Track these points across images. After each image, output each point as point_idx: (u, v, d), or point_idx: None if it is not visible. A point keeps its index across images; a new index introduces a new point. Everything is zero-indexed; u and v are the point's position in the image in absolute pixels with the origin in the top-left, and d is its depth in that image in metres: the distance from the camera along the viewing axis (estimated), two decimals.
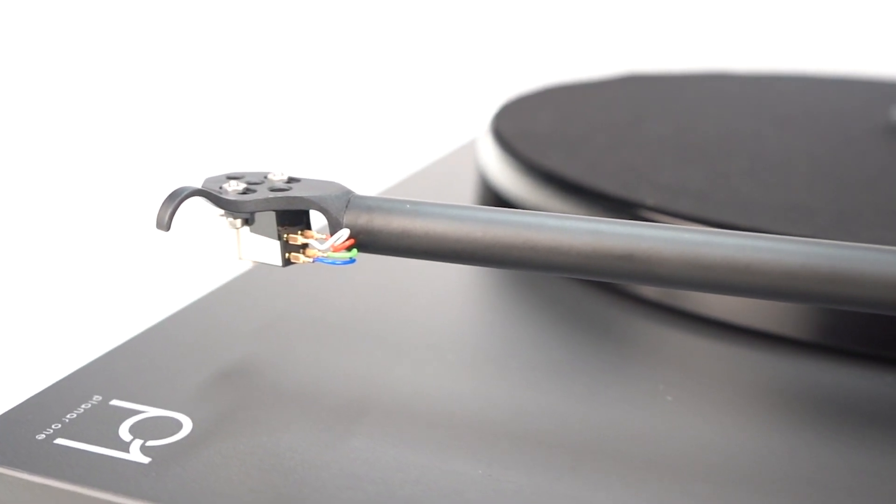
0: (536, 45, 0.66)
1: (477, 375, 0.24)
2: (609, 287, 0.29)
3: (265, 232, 0.23)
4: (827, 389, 0.24)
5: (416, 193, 0.38)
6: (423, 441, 0.21)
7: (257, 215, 0.23)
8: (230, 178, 0.23)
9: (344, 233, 0.22)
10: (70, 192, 0.55)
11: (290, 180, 0.23)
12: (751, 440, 0.22)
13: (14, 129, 0.58)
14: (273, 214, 0.23)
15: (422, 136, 0.61)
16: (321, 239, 0.22)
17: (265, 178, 0.23)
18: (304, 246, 0.23)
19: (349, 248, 0.22)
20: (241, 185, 0.23)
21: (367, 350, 0.25)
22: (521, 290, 0.30)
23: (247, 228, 0.23)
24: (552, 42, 0.65)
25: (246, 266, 0.29)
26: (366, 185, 0.39)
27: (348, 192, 0.23)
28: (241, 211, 0.22)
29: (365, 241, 0.22)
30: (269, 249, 0.23)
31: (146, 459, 0.20)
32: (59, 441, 0.21)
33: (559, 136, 0.37)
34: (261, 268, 0.29)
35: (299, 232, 0.23)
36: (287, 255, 0.23)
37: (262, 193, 0.22)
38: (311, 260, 0.23)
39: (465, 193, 0.39)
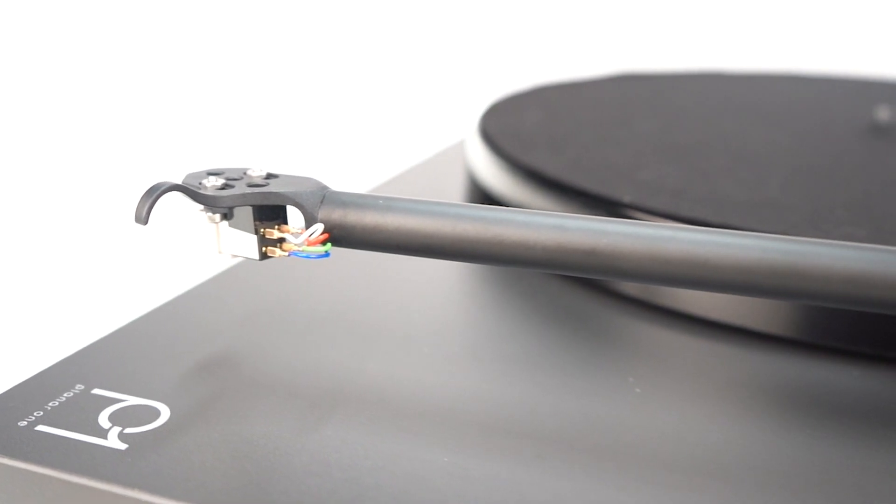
0: (535, 46, 0.66)
1: (450, 367, 0.25)
2: (588, 282, 0.30)
3: (243, 227, 0.24)
4: (796, 383, 0.25)
5: (405, 191, 0.39)
6: (393, 430, 0.22)
7: (236, 210, 0.23)
8: (210, 173, 0.24)
9: (318, 227, 0.23)
10: (58, 187, 0.56)
11: (269, 176, 0.24)
12: (715, 431, 0.22)
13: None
14: (250, 209, 0.23)
15: (419, 135, 0.62)
16: (297, 233, 0.23)
17: (244, 174, 0.24)
18: (281, 240, 0.23)
19: (324, 243, 0.23)
20: (220, 181, 0.23)
21: (345, 343, 0.26)
22: (500, 284, 0.30)
23: (226, 223, 0.24)
24: (551, 43, 0.66)
25: (230, 262, 0.30)
26: (362, 185, 0.40)
27: (324, 188, 0.23)
28: (218, 206, 0.23)
29: (339, 236, 0.23)
30: (246, 243, 0.24)
31: (123, 446, 0.21)
32: (41, 428, 0.21)
33: (545, 135, 0.37)
34: (244, 264, 0.30)
35: (276, 227, 0.23)
36: (264, 249, 0.23)
37: (240, 189, 0.23)
38: (286, 254, 0.23)
39: (454, 191, 0.39)
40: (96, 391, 0.23)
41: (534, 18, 0.66)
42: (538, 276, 0.30)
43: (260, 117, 0.64)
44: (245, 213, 0.23)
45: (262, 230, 0.23)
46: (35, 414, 0.22)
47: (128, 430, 0.21)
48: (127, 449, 0.21)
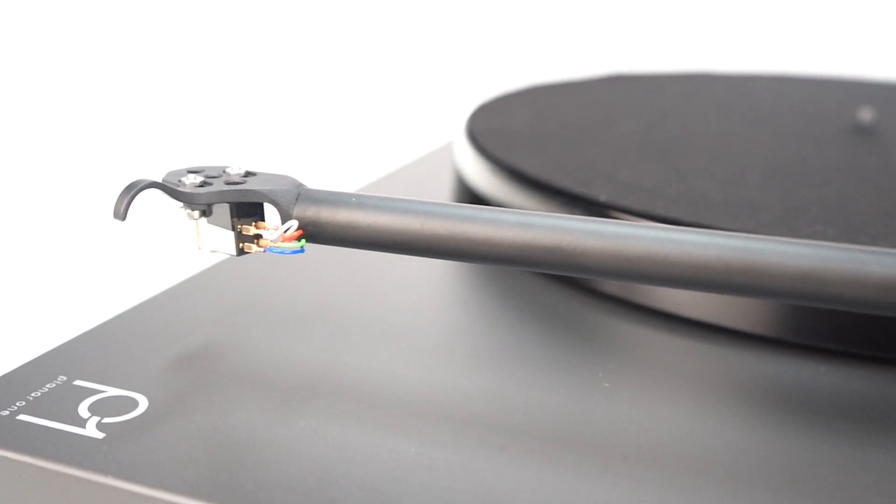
0: (534, 48, 0.67)
1: (425, 361, 0.25)
2: (565, 280, 0.30)
3: (222, 223, 0.24)
4: (764, 378, 0.25)
5: (393, 190, 0.39)
6: (364, 421, 0.22)
7: (215, 207, 0.24)
8: (190, 171, 0.24)
9: (293, 224, 0.23)
10: (44, 184, 0.57)
11: (247, 174, 0.25)
12: (680, 426, 0.23)
13: None
14: (228, 206, 0.24)
15: (415, 135, 0.62)
16: (273, 230, 0.24)
17: (224, 171, 0.25)
18: (257, 237, 0.24)
19: (298, 239, 0.23)
20: (199, 179, 0.24)
21: (323, 337, 0.26)
22: (478, 281, 0.31)
23: (205, 220, 0.24)
24: (549, 44, 0.66)
25: (210, 257, 0.30)
26: (357, 185, 0.40)
27: (299, 186, 0.24)
28: (195, 203, 0.23)
29: (313, 233, 0.23)
30: (224, 239, 0.24)
31: (100, 435, 0.21)
32: (22, 417, 0.22)
33: (529, 134, 0.38)
34: (227, 261, 0.31)
35: (253, 223, 0.24)
36: (241, 245, 0.24)
37: (217, 186, 0.24)
38: (262, 250, 0.24)
39: (442, 189, 0.40)
40: (78, 382, 0.24)
41: (532, 19, 0.67)
42: (516, 273, 0.31)
43: (253, 118, 0.65)
44: (223, 210, 0.24)
45: (239, 227, 0.24)
46: (17, 404, 0.23)
47: (106, 420, 0.22)
48: (104, 438, 0.21)
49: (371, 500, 0.19)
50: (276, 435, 0.22)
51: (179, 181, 0.24)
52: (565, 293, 0.30)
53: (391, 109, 0.67)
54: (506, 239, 0.22)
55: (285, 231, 0.23)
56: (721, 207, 0.29)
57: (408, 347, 0.26)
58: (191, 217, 0.24)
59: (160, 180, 0.23)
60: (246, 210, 0.24)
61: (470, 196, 0.36)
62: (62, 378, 0.24)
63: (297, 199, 0.23)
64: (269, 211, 0.24)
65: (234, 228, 0.24)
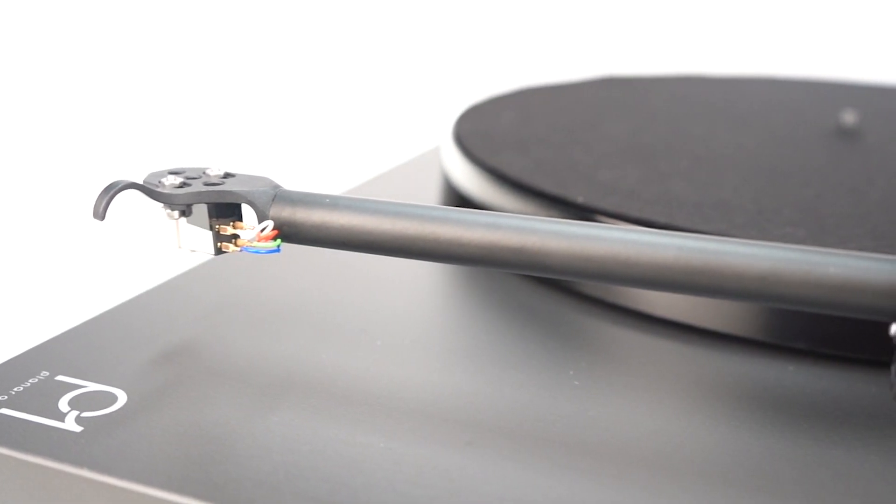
0: (533, 50, 0.67)
1: (399, 358, 0.26)
2: (543, 280, 0.31)
3: (201, 223, 0.25)
4: (732, 377, 0.26)
5: (382, 191, 0.40)
6: (336, 416, 0.23)
7: (194, 208, 0.25)
8: (171, 172, 0.25)
9: (268, 224, 0.24)
10: (32, 185, 0.57)
11: (226, 175, 0.25)
12: (647, 423, 0.23)
13: None
14: (206, 207, 0.24)
15: (409, 137, 0.63)
16: (249, 230, 0.24)
17: (203, 173, 0.25)
18: (235, 236, 0.25)
19: (274, 239, 0.24)
20: (179, 180, 0.24)
21: (301, 335, 0.27)
22: (458, 281, 0.31)
23: (184, 220, 0.25)
24: (548, 47, 0.67)
25: (190, 257, 0.31)
26: (349, 187, 0.41)
27: (276, 187, 0.25)
28: (174, 203, 0.24)
29: (289, 233, 0.24)
30: (203, 239, 0.25)
31: (78, 428, 0.22)
32: (3, 411, 0.23)
33: (515, 137, 0.38)
34: (211, 261, 0.31)
35: (231, 223, 0.25)
36: (219, 244, 0.25)
37: (196, 187, 0.24)
38: (239, 249, 0.24)
39: (431, 191, 0.41)
40: (60, 378, 0.24)
41: (528, 22, 0.67)
42: (496, 273, 0.31)
43: (244, 121, 0.66)
44: (203, 211, 0.25)
45: (217, 227, 0.25)
46: (0, 398, 0.23)
47: (85, 414, 0.23)
48: (81, 431, 0.22)
49: (336, 492, 0.20)
50: (249, 430, 0.22)
51: (160, 182, 0.24)
52: (544, 293, 0.30)
53: (384, 112, 0.67)
54: (473, 240, 0.22)
55: (261, 231, 0.24)
56: (695, 209, 0.30)
57: (384, 345, 0.27)
58: (171, 217, 0.25)
59: (141, 181, 0.24)
60: (224, 211, 0.25)
61: (456, 198, 0.37)
62: (45, 373, 0.24)
63: (273, 200, 0.24)
64: (249, 212, 0.25)
65: (212, 228, 0.25)
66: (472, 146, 0.36)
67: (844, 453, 0.22)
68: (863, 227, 0.28)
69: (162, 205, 0.25)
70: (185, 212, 0.25)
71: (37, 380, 0.24)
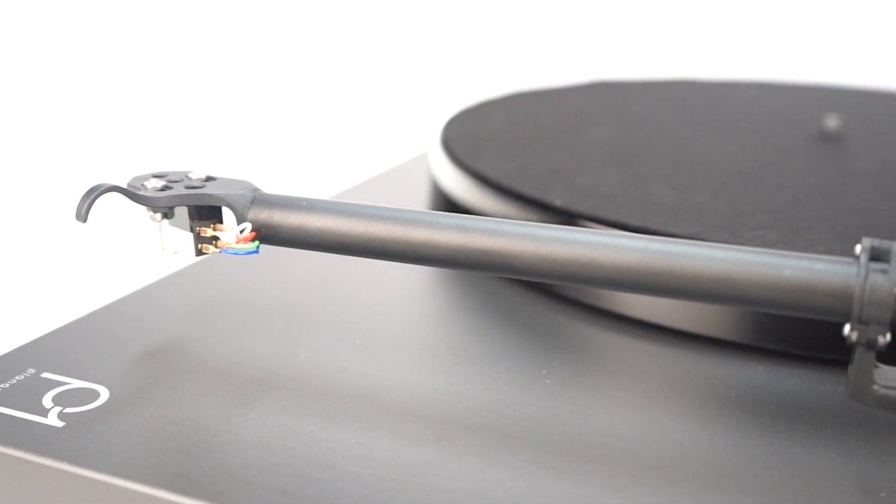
0: (520, 56, 0.68)
1: (377, 357, 0.27)
2: (524, 282, 0.31)
3: (183, 225, 0.26)
4: (702, 376, 0.26)
5: (370, 195, 0.41)
6: (311, 413, 0.24)
7: (177, 210, 0.25)
8: (154, 176, 0.26)
9: (247, 226, 0.24)
10: (23, 186, 0.58)
11: (208, 179, 0.26)
12: (614, 421, 0.24)
13: None
14: (187, 209, 0.25)
15: (401, 141, 0.64)
16: (228, 232, 0.25)
17: (186, 176, 0.26)
18: (215, 238, 0.25)
19: (253, 240, 0.25)
20: (161, 183, 0.25)
21: (284, 335, 0.28)
22: (440, 282, 0.32)
23: (167, 222, 0.26)
24: (546, 50, 0.67)
25: (185, 261, 0.32)
26: (338, 191, 0.42)
27: (255, 191, 0.25)
28: (155, 206, 0.25)
29: (266, 235, 0.25)
30: (184, 241, 0.26)
31: (60, 424, 0.23)
32: None
33: (501, 141, 0.39)
34: (198, 263, 0.32)
35: (211, 226, 0.25)
36: (199, 246, 0.25)
37: (177, 190, 0.25)
38: (219, 251, 0.25)
39: (419, 195, 0.41)
40: (45, 375, 0.25)
41: (520, 26, 0.68)
42: (474, 275, 0.32)
43: (235, 125, 0.66)
44: (185, 213, 0.25)
45: (197, 229, 0.25)
46: None
47: (67, 410, 0.23)
48: (63, 427, 0.23)
49: (306, 487, 0.21)
50: (225, 426, 0.23)
51: (142, 185, 0.25)
52: (523, 295, 0.31)
53: (376, 116, 0.68)
54: (444, 242, 0.23)
55: (240, 232, 0.24)
56: (670, 213, 0.30)
57: (363, 345, 0.27)
58: (153, 219, 0.26)
59: (125, 185, 0.25)
60: (205, 213, 0.25)
61: (443, 201, 0.37)
62: (31, 371, 0.25)
63: (251, 203, 0.25)
64: (229, 215, 0.26)
65: (193, 230, 0.25)
66: (458, 150, 0.37)
67: (805, 451, 0.23)
68: (832, 231, 0.29)
69: (145, 207, 0.25)
70: (168, 214, 0.25)
71: (23, 377, 0.25)
